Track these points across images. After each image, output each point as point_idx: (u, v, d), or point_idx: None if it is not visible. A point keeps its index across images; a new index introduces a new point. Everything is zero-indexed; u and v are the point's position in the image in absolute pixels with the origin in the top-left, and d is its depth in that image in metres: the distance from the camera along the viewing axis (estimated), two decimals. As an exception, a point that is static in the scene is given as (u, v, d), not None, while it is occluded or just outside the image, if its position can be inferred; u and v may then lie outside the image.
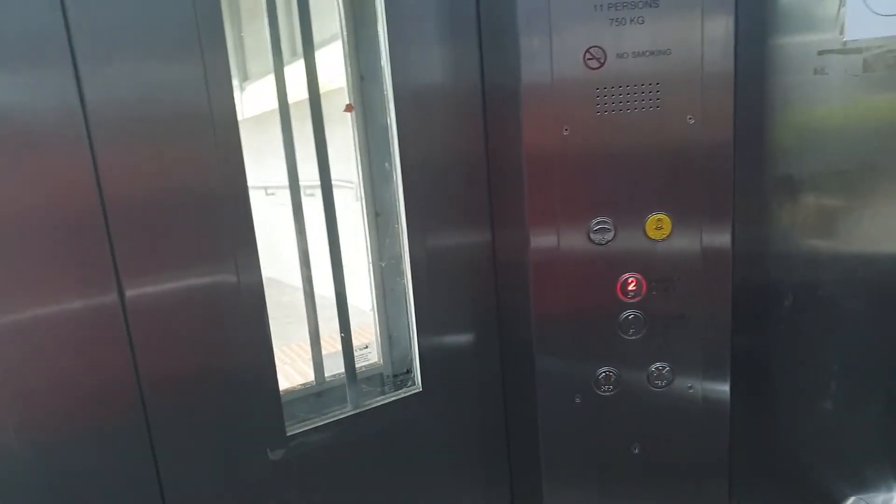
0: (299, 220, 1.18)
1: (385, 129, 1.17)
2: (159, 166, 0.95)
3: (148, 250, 0.96)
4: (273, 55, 1.11)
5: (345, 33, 1.16)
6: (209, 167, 0.98)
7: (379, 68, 1.15)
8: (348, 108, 1.19)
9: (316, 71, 1.12)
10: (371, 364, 1.33)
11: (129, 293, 0.95)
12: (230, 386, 1.06)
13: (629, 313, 1.18)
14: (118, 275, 0.94)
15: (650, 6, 1.05)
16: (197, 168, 0.98)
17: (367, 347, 1.32)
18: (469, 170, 1.20)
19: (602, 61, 1.06)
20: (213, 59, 0.95)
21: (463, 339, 1.27)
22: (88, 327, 0.94)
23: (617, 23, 1.05)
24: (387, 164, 1.20)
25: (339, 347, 1.23)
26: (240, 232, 1.02)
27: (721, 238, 1.15)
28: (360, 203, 1.24)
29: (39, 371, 0.92)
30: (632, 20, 1.05)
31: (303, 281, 1.21)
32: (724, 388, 1.22)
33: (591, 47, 1.06)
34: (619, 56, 1.06)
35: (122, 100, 0.91)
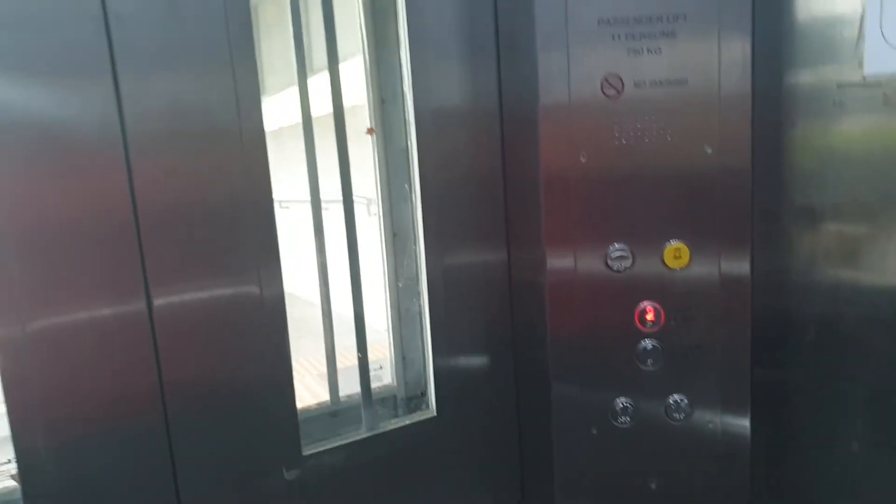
0: (320, 237, 1.20)
1: (404, 151, 1.21)
2: (190, 179, 1.00)
3: (176, 260, 0.99)
4: (298, 74, 1.15)
5: (367, 57, 1.20)
6: (237, 180, 1.02)
7: (400, 92, 1.19)
8: (369, 132, 1.23)
9: (340, 88, 1.16)
10: (384, 385, 1.34)
11: (156, 302, 0.98)
12: (249, 400, 1.07)
13: (647, 343, 1.17)
14: (147, 284, 0.98)
15: (667, 36, 1.07)
16: (225, 181, 1.02)
17: (381, 368, 1.33)
18: (486, 190, 1.22)
19: (619, 90, 1.08)
20: (244, 76, 1.00)
21: (477, 361, 1.27)
22: (116, 334, 0.97)
23: (634, 52, 1.07)
24: (406, 186, 1.23)
25: (350, 364, 1.24)
26: (264, 245, 1.05)
27: (740, 267, 1.14)
28: (376, 221, 1.27)
29: (66, 375, 0.95)
30: (649, 50, 1.07)
31: (321, 300, 1.23)
32: (744, 422, 1.19)
33: (608, 76, 1.08)
34: (637, 85, 1.08)
35: (157, 114, 0.95)
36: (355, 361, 1.22)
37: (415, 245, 1.23)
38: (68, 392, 0.95)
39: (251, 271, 1.05)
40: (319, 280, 1.23)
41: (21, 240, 0.90)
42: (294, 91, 1.16)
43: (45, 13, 0.88)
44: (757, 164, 1.11)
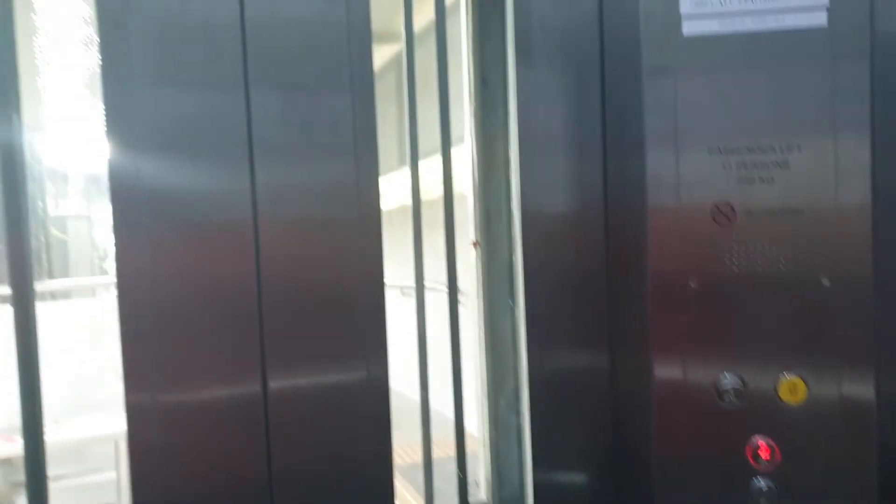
0: (421, 326, 1.22)
1: (508, 264, 1.23)
2: (310, 261, 1.06)
3: (293, 342, 1.04)
4: (411, 163, 1.21)
5: (476, 177, 1.26)
6: (352, 264, 1.07)
7: (507, 207, 1.22)
8: (474, 245, 1.27)
9: (452, 194, 1.21)
10: (478, 502, 1.31)
11: (272, 384, 1.03)
12: (349, 494, 1.08)
13: (760, 482, 1.10)
14: (264, 364, 1.02)
15: (781, 167, 1.06)
16: (341, 264, 1.07)
17: (476, 485, 1.31)
18: (589, 305, 1.21)
19: (730, 217, 1.07)
20: (365, 167, 1.07)
21: (577, 479, 1.23)
22: (231, 413, 1.01)
23: (746, 181, 1.07)
24: (510, 301, 1.25)
25: (436, 456, 1.21)
26: (374, 330, 1.08)
27: (863, 406, 1.07)
28: (477, 335, 1.28)
29: (186, 445, 1.00)
30: (761, 179, 1.06)
31: (421, 406, 1.24)
32: (870, 578, 1.08)
33: (718, 203, 1.08)
34: (749, 213, 1.07)
35: (285, 200, 1.03)
36: (442, 454, 1.20)
37: (514, 357, 1.23)
38: (186, 461, 1.00)
39: (360, 356, 1.07)
40: (420, 384, 1.24)
41: (157, 312, 0.98)
42: (390, 177, 1.21)
43: (197, 108, 0.98)
44: (878, 295, 1.06)
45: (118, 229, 0.97)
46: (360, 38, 1.06)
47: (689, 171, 1.08)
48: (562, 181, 1.19)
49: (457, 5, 1.28)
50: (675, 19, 1.07)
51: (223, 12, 1.01)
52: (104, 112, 0.96)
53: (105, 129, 0.96)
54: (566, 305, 1.21)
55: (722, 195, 1.08)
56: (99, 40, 0.96)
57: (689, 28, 1.07)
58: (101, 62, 0.96)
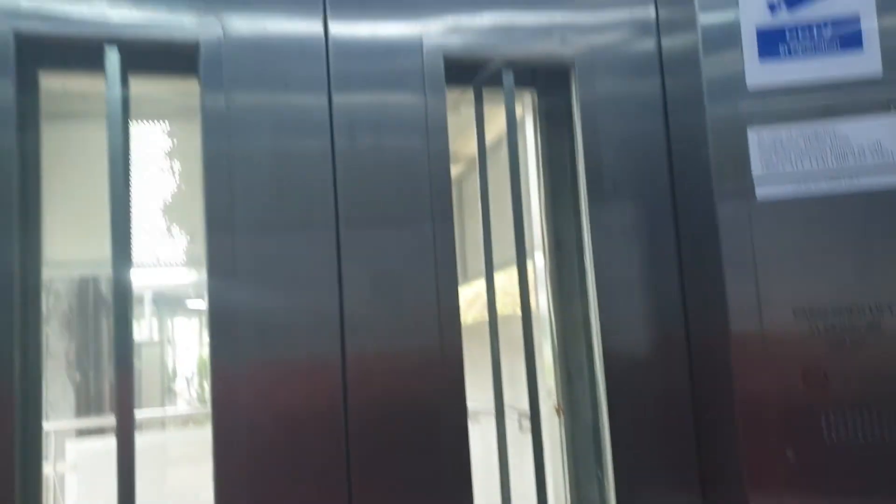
0: (503, 456, 1.17)
1: (591, 428, 1.20)
2: (396, 387, 1.07)
3: (379, 468, 1.04)
4: (487, 291, 1.23)
5: (555, 341, 1.25)
6: (435, 391, 1.07)
7: (590, 365, 1.21)
8: (557, 410, 1.25)
9: (529, 296, 1.20)
10: None
11: None
12: None
13: None
14: (350, 495, 1.01)
15: (872, 328, 1.02)
16: (425, 391, 1.08)
17: None
18: (679, 461, 1.16)
19: (822, 383, 1.03)
20: (446, 293, 1.09)
21: None
22: None
23: (836, 344, 1.03)
24: (598, 473, 1.20)
25: None
26: (457, 462, 1.06)
27: None
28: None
29: None
30: (853, 342, 1.03)
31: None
32: None
33: (808, 368, 1.04)
34: (842, 378, 1.02)
35: (372, 324, 1.06)
36: None
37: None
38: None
39: (443, 490, 1.05)
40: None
41: (249, 440, 1.00)
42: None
43: (290, 248, 1.06)
44: None
45: (216, 362, 1.01)
46: (440, 166, 1.12)
47: (774, 334, 1.06)
48: (644, 340, 1.18)
49: (525, 164, 1.33)
50: (748, 181, 1.09)
51: (317, 157, 1.08)
52: (207, 252, 1.04)
53: (207, 268, 1.03)
54: (655, 466, 1.15)
55: (811, 360, 1.04)
56: (204, 188, 1.05)
57: (762, 191, 1.08)
58: (205, 207, 1.05)
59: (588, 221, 1.19)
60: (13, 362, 0.95)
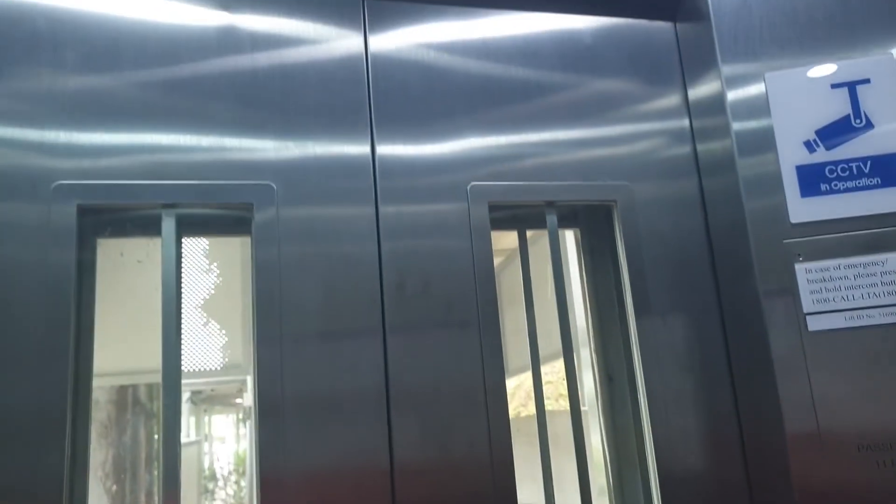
0: None
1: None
2: (445, 479, 1.08)
3: None
4: (534, 380, 1.22)
5: (610, 478, 1.24)
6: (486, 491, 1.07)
7: (642, 459, 1.20)
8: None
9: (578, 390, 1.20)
10: None
11: None
12: None
13: None
14: None
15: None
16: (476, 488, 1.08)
17: None
18: None
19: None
20: (496, 409, 1.11)
21: None
22: None
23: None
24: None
25: None
26: None
27: None
28: None
29: None
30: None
31: None
32: None
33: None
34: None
35: (420, 440, 1.08)
36: None
37: None
38: None
39: None
40: None
41: None
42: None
43: (340, 359, 1.09)
44: None
45: (263, 485, 1.02)
46: (485, 268, 1.16)
47: (838, 471, 1.04)
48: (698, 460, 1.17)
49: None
50: (800, 315, 1.10)
51: (364, 264, 1.13)
52: (256, 367, 1.07)
53: (255, 385, 1.06)
54: None
55: (881, 495, 1.02)
56: (255, 306, 1.08)
57: (814, 324, 1.09)
58: (254, 321, 1.08)
59: (638, 345, 1.21)
60: (62, 478, 0.96)
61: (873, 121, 1.12)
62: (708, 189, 1.29)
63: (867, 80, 1.13)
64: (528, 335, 1.28)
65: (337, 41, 1.21)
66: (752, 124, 1.17)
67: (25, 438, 0.96)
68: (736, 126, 1.18)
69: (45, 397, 0.97)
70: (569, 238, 1.46)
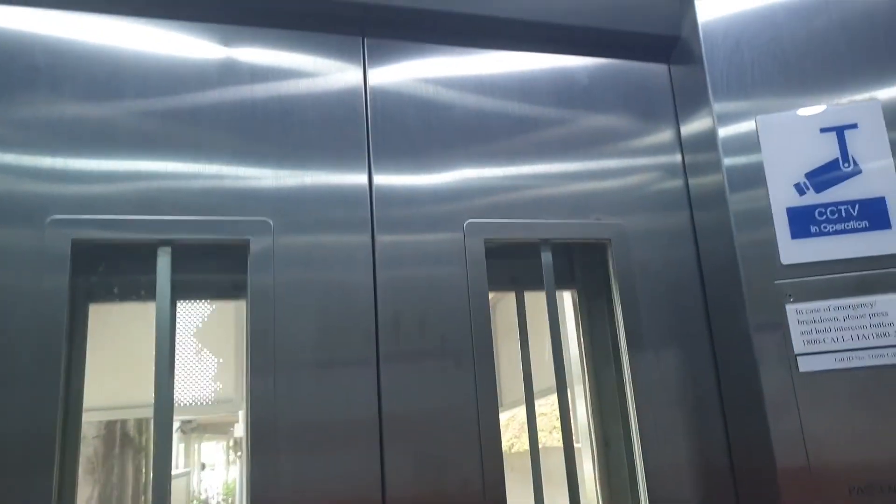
0: None
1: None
2: None
3: None
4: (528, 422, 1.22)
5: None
6: None
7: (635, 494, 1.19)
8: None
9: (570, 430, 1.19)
10: None
11: None
12: None
13: None
14: None
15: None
16: None
17: None
18: None
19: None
20: (490, 452, 1.11)
21: None
22: None
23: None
24: None
25: None
26: None
27: None
28: None
29: None
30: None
31: None
32: None
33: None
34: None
35: (415, 474, 1.08)
36: None
37: None
38: None
39: None
40: None
41: None
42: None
43: (332, 390, 1.09)
44: None
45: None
46: (480, 303, 1.17)
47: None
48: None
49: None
50: (791, 355, 1.10)
51: (359, 295, 1.13)
52: (248, 397, 1.06)
53: (248, 415, 1.06)
54: None
55: (872, 540, 1.02)
56: (248, 336, 1.08)
57: (805, 365, 1.10)
58: (248, 351, 1.08)
59: (630, 379, 1.21)
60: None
61: (861, 165, 1.14)
62: (699, 223, 1.30)
63: (854, 125, 1.16)
64: (523, 374, 1.29)
65: (336, 75, 1.23)
66: (742, 160, 1.20)
67: (13, 471, 0.95)
68: (727, 161, 1.20)
69: (34, 429, 0.96)
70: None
